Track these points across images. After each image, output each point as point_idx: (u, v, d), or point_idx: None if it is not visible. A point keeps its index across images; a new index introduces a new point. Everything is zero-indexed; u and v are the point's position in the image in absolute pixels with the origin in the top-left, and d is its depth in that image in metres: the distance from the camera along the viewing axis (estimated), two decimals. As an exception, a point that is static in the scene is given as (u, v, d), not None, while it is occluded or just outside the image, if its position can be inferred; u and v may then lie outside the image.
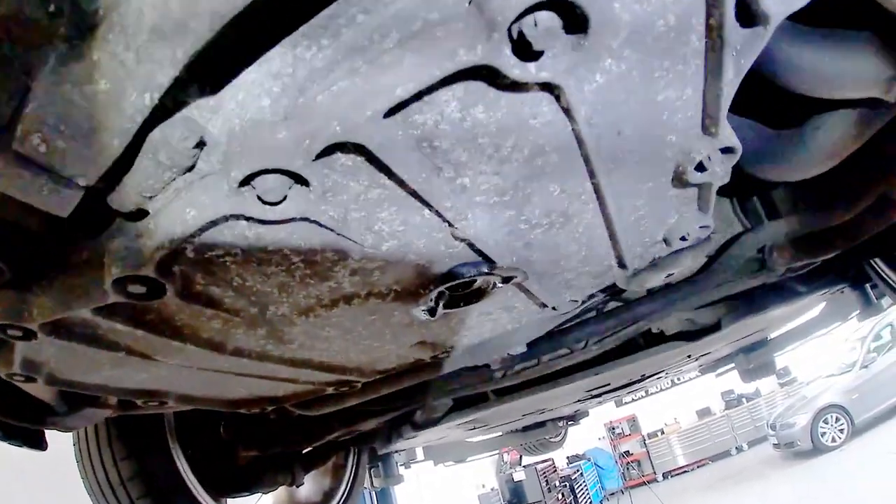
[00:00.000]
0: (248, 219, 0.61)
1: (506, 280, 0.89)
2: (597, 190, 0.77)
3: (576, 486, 12.75)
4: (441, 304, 0.90)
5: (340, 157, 0.58)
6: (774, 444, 11.99)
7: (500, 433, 5.45)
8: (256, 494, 3.09)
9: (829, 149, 1.13)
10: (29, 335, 0.79)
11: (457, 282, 0.81)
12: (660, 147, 0.73)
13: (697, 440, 14.89)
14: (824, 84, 0.86)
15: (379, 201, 0.64)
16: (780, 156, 1.22)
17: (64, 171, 0.52)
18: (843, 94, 0.91)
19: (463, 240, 0.73)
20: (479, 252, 0.78)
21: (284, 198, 0.58)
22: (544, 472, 12.31)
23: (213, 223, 0.60)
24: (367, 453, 3.66)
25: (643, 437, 15.33)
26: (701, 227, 0.99)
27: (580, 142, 0.66)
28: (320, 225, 0.64)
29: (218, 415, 2.47)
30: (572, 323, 1.85)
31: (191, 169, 0.57)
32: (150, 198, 0.61)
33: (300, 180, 0.59)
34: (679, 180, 0.79)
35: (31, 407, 1.54)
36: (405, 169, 0.61)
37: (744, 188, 1.29)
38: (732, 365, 4.23)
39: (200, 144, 0.54)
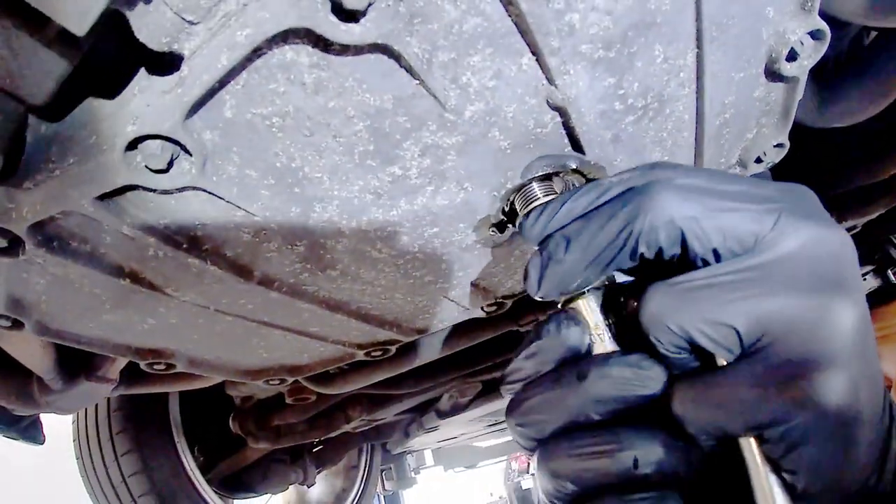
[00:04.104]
0: (316, 40, 0.46)
1: (588, 186, 0.75)
2: (699, 63, 0.68)
3: (583, 495, 12.49)
4: (514, 217, 0.76)
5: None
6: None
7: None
8: (266, 496, 2.95)
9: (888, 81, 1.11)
10: (15, 246, 0.64)
11: (539, 174, 0.67)
12: (758, 21, 0.68)
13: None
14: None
15: (474, 37, 0.50)
16: (828, 97, 1.20)
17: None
18: None
19: (558, 108, 0.59)
20: (570, 133, 0.64)
21: (369, 6, 0.44)
22: (552, 481, 12.03)
23: (272, 42, 0.45)
24: (379, 453, 3.51)
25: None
26: (776, 145, 0.93)
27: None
28: (400, 63, 0.50)
29: (226, 409, 2.32)
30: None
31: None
32: (192, 24, 0.46)
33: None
34: (770, 71, 0.75)
35: (22, 385, 1.40)
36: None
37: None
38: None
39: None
